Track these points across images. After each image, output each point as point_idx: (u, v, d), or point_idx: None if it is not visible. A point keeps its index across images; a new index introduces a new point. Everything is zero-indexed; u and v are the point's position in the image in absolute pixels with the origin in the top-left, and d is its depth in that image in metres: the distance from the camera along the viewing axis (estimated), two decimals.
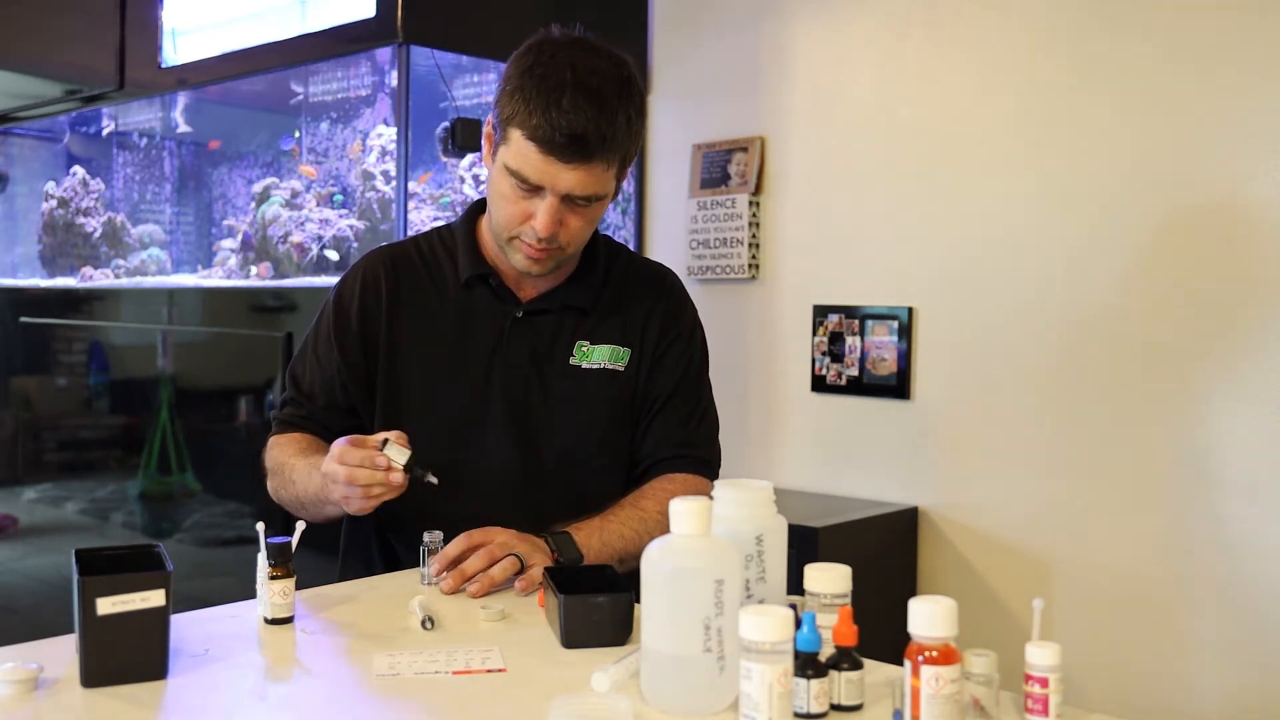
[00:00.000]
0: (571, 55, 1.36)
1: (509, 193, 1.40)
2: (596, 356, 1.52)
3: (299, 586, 1.30)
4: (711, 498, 1.00)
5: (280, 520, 1.54)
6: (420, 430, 1.51)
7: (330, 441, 1.55)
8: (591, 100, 1.33)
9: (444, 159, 2.67)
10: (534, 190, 1.38)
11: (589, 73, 1.34)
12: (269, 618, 1.18)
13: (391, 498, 1.32)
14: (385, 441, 1.29)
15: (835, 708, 0.92)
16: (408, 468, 1.29)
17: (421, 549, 1.35)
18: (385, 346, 1.53)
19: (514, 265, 1.47)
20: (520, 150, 1.36)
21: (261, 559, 1.20)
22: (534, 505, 1.49)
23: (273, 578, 1.18)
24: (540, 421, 1.51)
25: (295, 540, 1.24)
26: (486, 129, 1.45)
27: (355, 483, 1.29)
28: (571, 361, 1.52)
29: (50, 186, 3.74)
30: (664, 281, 1.61)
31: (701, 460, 1.56)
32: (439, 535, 1.35)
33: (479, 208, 1.57)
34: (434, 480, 1.30)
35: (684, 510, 0.93)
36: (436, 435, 1.50)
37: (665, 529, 1.39)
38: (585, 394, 1.51)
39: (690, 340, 1.59)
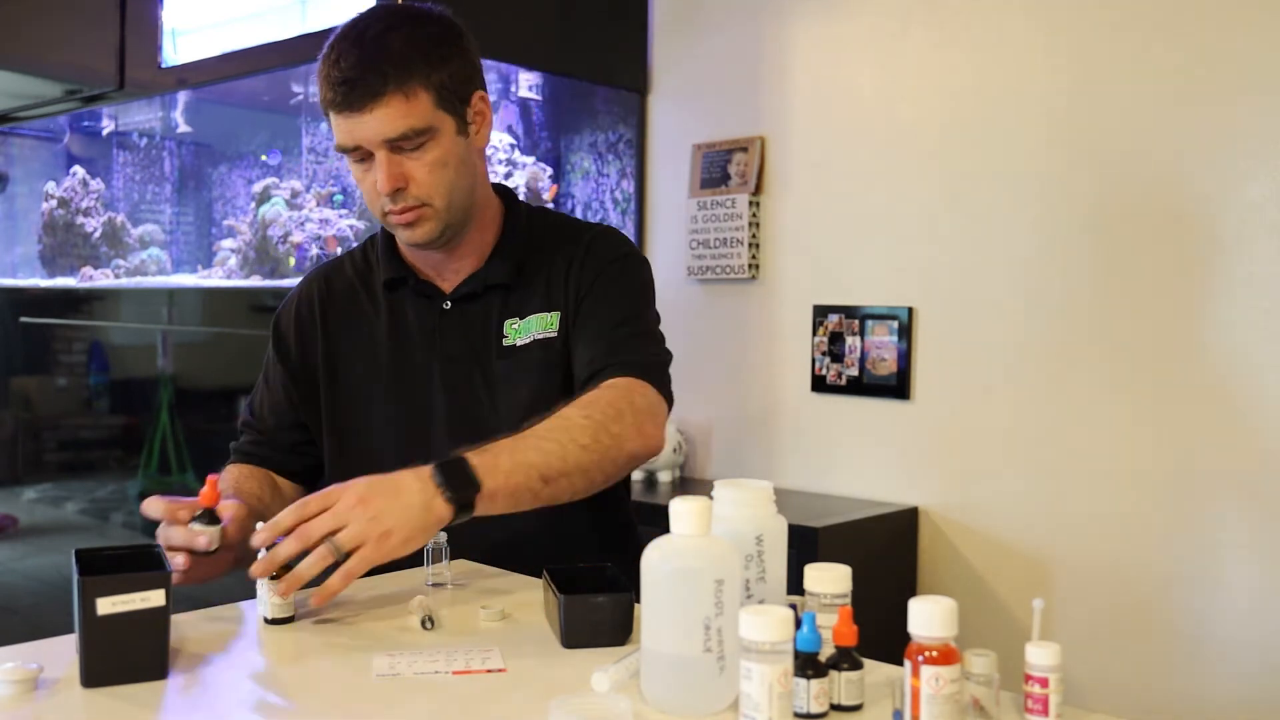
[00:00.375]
0: (356, 19, 1.38)
1: (356, 173, 1.41)
2: (528, 330, 1.47)
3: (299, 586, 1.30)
4: (711, 497, 1.00)
5: None
6: (370, 438, 1.50)
7: (280, 467, 1.56)
8: (358, 44, 1.34)
9: None
10: (364, 156, 1.38)
11: (366, 26, 1.36)
12: (269, 618, 1.18)
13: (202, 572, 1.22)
14: (199, 513, 1.19)
15: (835, 708, 0.92)
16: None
17: (424, 550, 1.35)
18: (325, 363, 1.53)
19: (405, 244, 1.46)
20: (333, 124, 1.37)
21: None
22: None
23: (272, 578, 1.18)
24: (486, 410, 1.47)
25: None
26: None
27: (169, 544, 1.18)
28: (505, 343, 1.47)
29: (50, 186, 3.74)
30: (583, 233, 1.52)
31: (631, 364, 1.39)
32: (443, 536, 1.35)
33: None
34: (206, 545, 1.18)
35: (684, 510, 0.93)
36: (386, 441, 1.49)
37: (592, 434, 1.29)
38: (524, 372, 1.46)
39: (617, 270, 1.47)
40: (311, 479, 1.58)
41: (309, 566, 1.12)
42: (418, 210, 1.39)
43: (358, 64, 1.32)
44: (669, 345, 1.51)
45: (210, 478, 1.20)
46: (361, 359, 1.52)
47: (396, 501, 1.15)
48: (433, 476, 1.17)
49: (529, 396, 1.46)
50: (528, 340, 1.47)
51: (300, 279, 1.65)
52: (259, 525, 1.19)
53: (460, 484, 1.18)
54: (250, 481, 1.49)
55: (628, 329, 1.44)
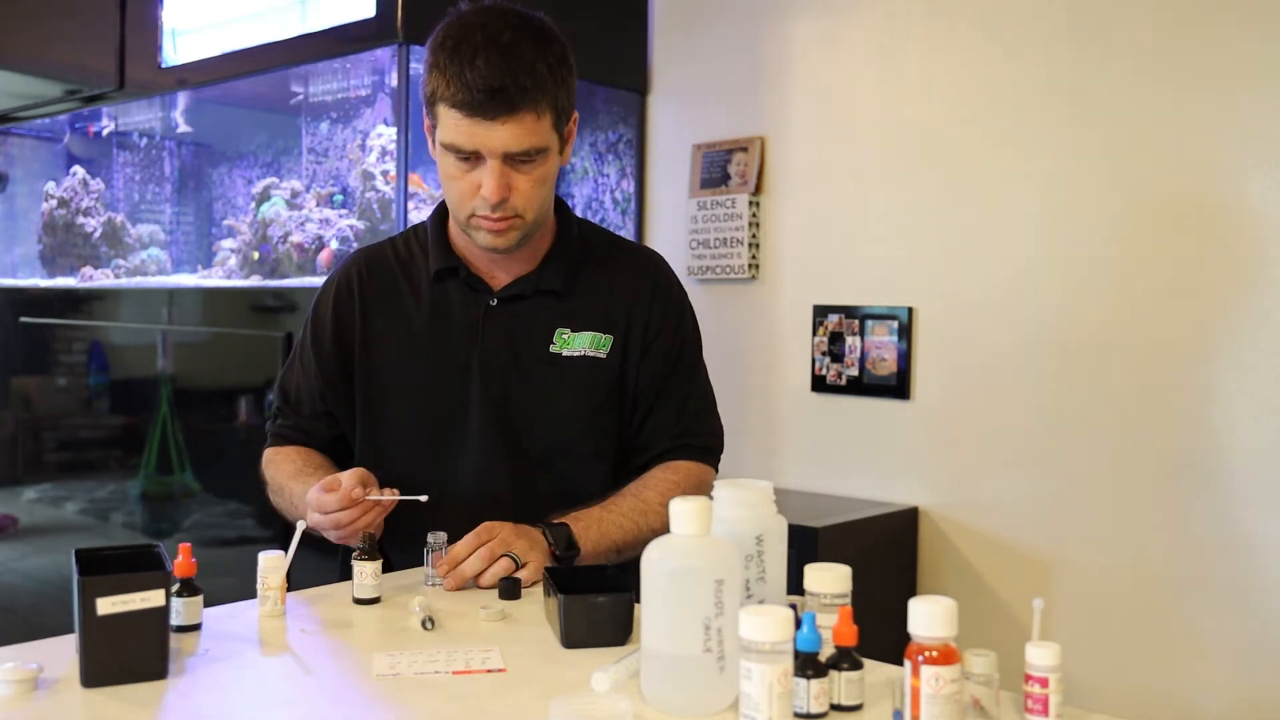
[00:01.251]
0: (480, 19, 1.37)
1: (453, 170, 1.40)
2: (578, 344, 1.50)
3: (299, 587, 1.30)
4: (711, 497, 1.00)
5: (280, 524, 1.54)
6: (401, 427, 1.51)
7: (322, 450, 1.57)
8: (504, 54, 1.33)
9: None
10: (474, 160, 1.38)
11: (499, 31, 1.35)
12: (357, 598, 1.26)
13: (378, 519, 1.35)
14: (177, 585, 1.17)
15: (835, 708, 0.92)
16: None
17: (425, 550, 1.35)
18: (361, 349, 1.54)
19: (480, 247, 1.46)
20: (449, 122, 1.36)
21: (263, 559, 1.20)
22: (520, 497, 1.48)
23: (358, 559, 1.26)
24: (521, 412, 1.49)
25: (295, 542, 1.24)
26: (426, 122, 1.45)
27: (341, 526, 1.32)
28: (551, 349, 1.49)
29: (50, 186, 3.74)
30: (648, 265, 1.58)
31: (702, 448, 1.54)
32: (443, 536, 1.35)
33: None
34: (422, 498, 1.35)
35: (684, 510, 0.93)
36: (418, 431, 1.51)
37: (666, 520, 1.39)
38: (566, 383, 1.49)
39: (679, 324, 1.56)
40: (341, 461, 1.58)
41: (492, 574, 1.32)
42: (510, 220, 1.41)
43: (500, 74, 1.32)
44: None
45: (183, 546, 1.17)
46: (398, 344, 1.53)
47: (535, 537, 1.37)
48: (544, 536, 1.37)
49: (568, 407, 1.49)
50: (576, 354, 1.50)
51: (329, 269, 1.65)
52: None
53: (566, 546, 1.37)
54: (312, 458, 1.55)
55: (697, 402, 1.56)
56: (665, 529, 1.39)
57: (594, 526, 1.39)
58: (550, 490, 1.49)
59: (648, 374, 1.52)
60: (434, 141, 1.43)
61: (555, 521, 1.39)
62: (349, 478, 1.32)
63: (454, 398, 1.50)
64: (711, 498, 1.00)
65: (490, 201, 1.38)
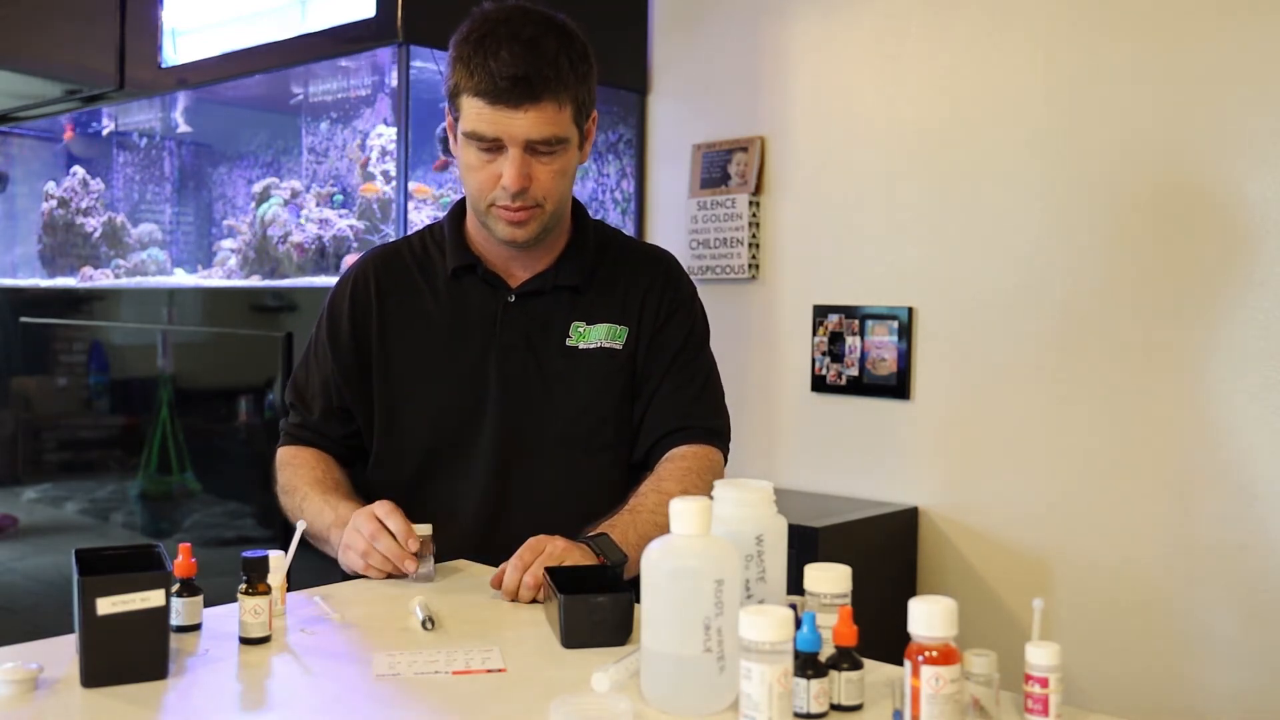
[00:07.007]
0: (503, 15, 1.41)
1: (474, 161, 1.42)
2: (593, 336, 1.52)
3: (299, 587, 1.30)
4: (712, 497, 1.00)
5: (280, 524, 1.54)
6: (419, 421, 1.52)
7: (334, 454, 1.58)
8: (527, 46, 1.37)
9: (445, 159, 2.67)
10: (495, 148, 1.40)
11: (522, 26, 1.39)
12: (243, 637, 1.12)
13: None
14: (178, 585, 1.16)
15: (835, 708, 0.92)
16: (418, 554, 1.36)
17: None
18: (378, 344, 1.55)
19: (498, 239, 1.47)
20: (472, 110, 1.39)
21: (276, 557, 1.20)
22: (537, 488, 1.50)
23: (246, 594, 1.12)
24: (539, 404, 1.50)
25: (295, 542, 1.24)
26: (447, 120, 1.48)
27: (372, 567, 1.35)
28: (568, 343, 1.51)
29: (50, 186, 3.74)
30: (660, 259, 1.62)
31: (708, 430, 1.54)
32: (428, 528, 1.35)
33: (464, 202, 1.58)
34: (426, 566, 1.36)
35: (684, 510, 0.93)
36: (436, 425, 1.51)
37: None
38: (582, 374, 1.51)
39: (689, 312, 1.58)
40: (353, 461, 1.60)
41: (527, 589, 1.27)
42: (531, 210, 1.43)
43: (523, 62, 1.35)
44: None
45: (183, 546, 1.16)
46: (416, 339, 1.54)
47: (585, 550, 1.32)
48: (591, 548, 1.32)
49: (587, 399, 1.51)
50: (593, 346, 1.52)
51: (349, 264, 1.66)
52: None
53: (615, 555, 1.32)
54: (332, 470, 1.55)
55: (700, 387, 1.56)
56: None
57: (630, 530, 1.38)
58: (567, 480, 1.50)
59: (654, 358, 1.54)
60: (455, 137, 1.45)
61: (593, 534, 1.36)
62: (403, 532, 1.34)
63: (471, 391, 1.51)
64: (711, 496, 1.00)
65: (511, 190, 1.40)
